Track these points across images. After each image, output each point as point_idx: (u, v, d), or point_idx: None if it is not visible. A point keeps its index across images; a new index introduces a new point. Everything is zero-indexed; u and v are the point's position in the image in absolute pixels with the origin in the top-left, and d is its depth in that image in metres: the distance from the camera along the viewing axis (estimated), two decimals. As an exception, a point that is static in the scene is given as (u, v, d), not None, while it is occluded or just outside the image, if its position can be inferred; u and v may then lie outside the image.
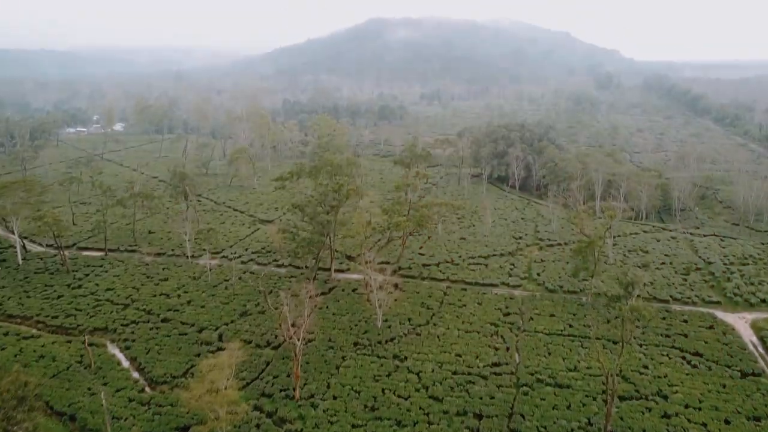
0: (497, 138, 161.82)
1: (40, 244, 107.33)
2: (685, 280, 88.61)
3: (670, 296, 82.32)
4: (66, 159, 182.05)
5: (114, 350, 70.81)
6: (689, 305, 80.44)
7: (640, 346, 68.21)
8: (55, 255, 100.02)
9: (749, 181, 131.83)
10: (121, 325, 75.68)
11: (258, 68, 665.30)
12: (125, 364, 67.87)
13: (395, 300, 77.30)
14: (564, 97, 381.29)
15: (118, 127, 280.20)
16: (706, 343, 69.10)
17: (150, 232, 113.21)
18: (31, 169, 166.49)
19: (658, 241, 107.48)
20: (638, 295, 73.92)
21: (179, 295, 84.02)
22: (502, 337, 71.30)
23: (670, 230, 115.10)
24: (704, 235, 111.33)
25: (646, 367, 63.93)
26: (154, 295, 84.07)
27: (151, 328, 74.71)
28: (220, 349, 67.12)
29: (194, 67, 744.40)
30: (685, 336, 70.79)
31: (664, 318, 75.40)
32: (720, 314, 77.62)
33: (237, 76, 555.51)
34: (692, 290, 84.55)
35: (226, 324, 75.12)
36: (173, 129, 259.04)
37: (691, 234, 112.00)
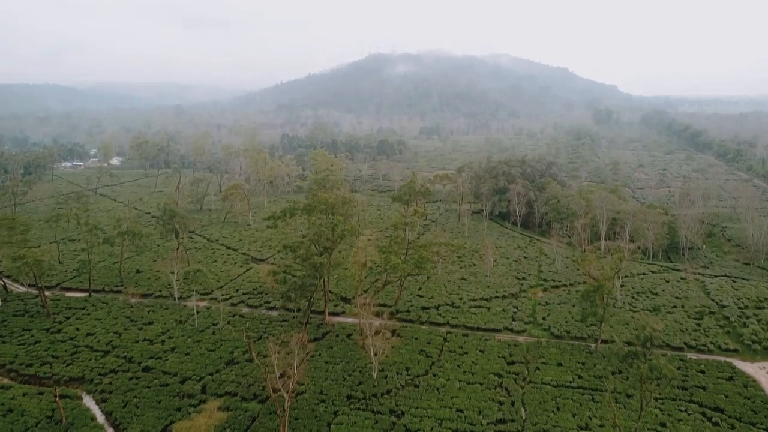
0: (498, 174, 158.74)
1: (22, 284, 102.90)
2: (699, 325, 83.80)
3: (685, 343, 77.39)
4: (58, 194, 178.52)
5: (89, 403, 65.75)
6: (705, 353, 75.54)
7: (656, 400, 63.10)
8: (37, 296, 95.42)
9: (758, 219, 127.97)
10: (99, 374, 70.69)
11: (259, 103, 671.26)
12: (100, 419, 62.74)
13: (392, 347, 72.55)
14: (563, 131, 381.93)
15: (115, 161, 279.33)
16: (726, 396, 64.21)
17: (138, 272, 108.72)
18: (22, 204, 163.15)
19: (668, 282, 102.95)
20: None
21: (163, 341, 79.08)
22: (506, 389, 66.32)
23: (679, 270, 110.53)
24: (715, 276, 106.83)
25: (663, 425, 58.87)
26: (137, 341, 79.15)
27: (130, 378, 69.70)
28: (202, 402, 63.05)
29: (195, 102, 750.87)
30: (704, 389, 65.92)
31: (679, 368, 70.36)
32: (739, 364, 72.74)
33: (237, 111, 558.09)
34: (707, 336, 79.68)
35: (211, 374, 70.07)
36: (170, 163, 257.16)
37: (701, 275, 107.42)
